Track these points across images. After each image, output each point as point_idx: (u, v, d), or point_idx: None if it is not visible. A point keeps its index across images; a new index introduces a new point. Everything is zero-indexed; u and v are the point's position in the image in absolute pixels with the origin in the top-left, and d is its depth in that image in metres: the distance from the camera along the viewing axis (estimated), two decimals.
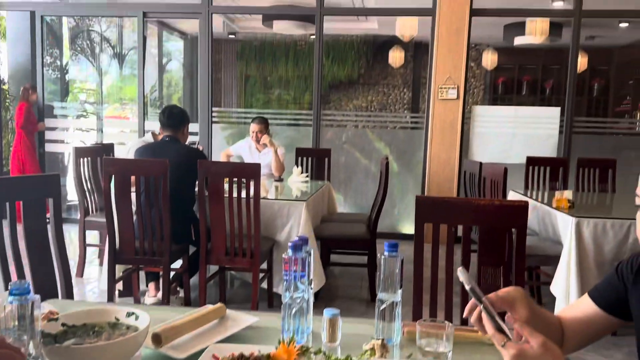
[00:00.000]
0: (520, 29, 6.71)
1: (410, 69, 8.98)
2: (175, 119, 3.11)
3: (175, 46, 8.90)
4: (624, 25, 7.22)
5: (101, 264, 3.98)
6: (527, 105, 8.85)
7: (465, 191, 4.01)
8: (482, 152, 4.96)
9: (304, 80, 8.69)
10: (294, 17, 6.71)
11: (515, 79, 9.05)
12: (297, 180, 3.98)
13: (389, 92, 9.08)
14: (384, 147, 5.42)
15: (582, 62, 7.63)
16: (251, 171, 2.80)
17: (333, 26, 7.51)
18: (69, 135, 5.95)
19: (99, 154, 3.86)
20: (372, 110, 9.02)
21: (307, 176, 4.11)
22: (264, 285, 3.18)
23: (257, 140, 4.15)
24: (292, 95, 8.84)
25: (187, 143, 3.45)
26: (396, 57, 7.98)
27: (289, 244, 1.17)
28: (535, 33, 6.33)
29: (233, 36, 8.63)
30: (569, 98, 4.79)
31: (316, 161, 4.48)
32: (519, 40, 6.93)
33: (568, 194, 3.38)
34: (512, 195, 3.93)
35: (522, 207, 1.76)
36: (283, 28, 7.29)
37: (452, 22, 4.65)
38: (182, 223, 3.05)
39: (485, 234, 1.85)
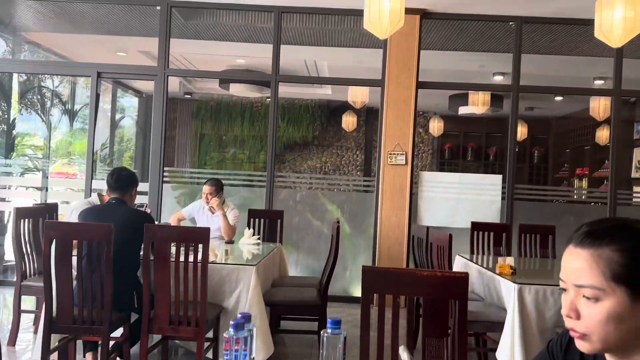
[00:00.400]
0: (464, 99, 7.16)
1: (363, 132, 9.31)
2: (123, 181, 3.07)
3: (129, 102, 8.89)
4: (559, 98, 7.83)
5: (36, 331, 3.73)
6: (473, 170, 9.29)
7: (413, 255, 4.09)
8: (430, 216, 5.10)
9: (260, 140, 8.82)
10: (250, 81, 6.91)
11: (461, 145, 9.53)
12: (248, 243, 3.95)
13: (342, 154, 9.32)
14: (336, 209, 5.49)
15: (523, 131, 8.17)
16: (199, 235, 2.77)
17: (289, 90, 7.76)
18: (11, 193, 5.71)
19: (42, 214, 3.71)
20: (326, 170, 9.19)
21: (258, 238, 4.09)
22: (210, 354, 3.06)
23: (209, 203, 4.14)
24: (248, 154, 8.91)
25: (135, 204, 3.39)
26: (349, 121, 8.28)
27: (231, 322, 1.16)
28: (477, 104, 6.76)
29: (189, 96, 8.73)
30: (510, 167, 5.07)
31: (269, 223, 4.48)
32: (463, 110, 7.37)
33: (510, 260, 3.51)
34: (458, 260, 4.03)
35: (463, 279, 1.82)
36: (239, 90, 7.47)
37: (400, 93, 4.91)
38: (125, 289, 2.93)
39: (428, 304, 1.89)
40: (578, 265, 0.92)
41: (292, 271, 5.17)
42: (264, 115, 8.56)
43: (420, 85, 4.96)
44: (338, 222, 3.75)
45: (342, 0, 4.72)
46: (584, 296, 0.90)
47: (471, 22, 5.00)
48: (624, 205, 5.38)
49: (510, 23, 4.93)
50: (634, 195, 6.49)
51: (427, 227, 3.65)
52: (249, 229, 4.16)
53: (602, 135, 7.30)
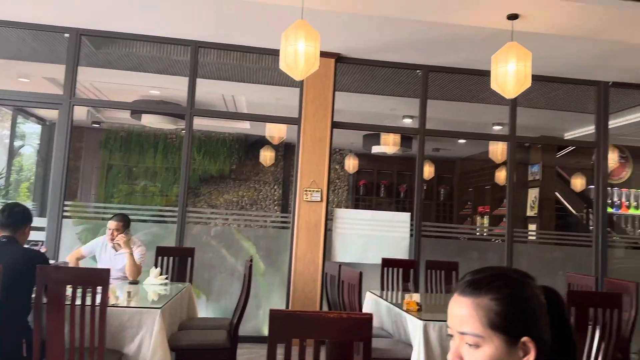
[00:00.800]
0: (376, 139, 7.47)
1: (281, 167, 9.37)
2: (15, 218, 2.83)
3: (31, 128, 8.30)
4: (462, 141, 8.39)
5: None
6: (385, 206, 9.64)
7: (326, 293, 4.11)
8: (344, 252, 5.19)
9: (173, 172, 8.57)
10: (164, 112, 6.75)
11: (375, 182, 9.89)
12: (154, 283, 3.77)
13: (259, 189, 9.28)
14: (251, 246, 5.42)
15: (430, 170, 8.65)
16: (98, 277, 2.60)
17: (206, 122, 7.66)
18: None
19: None
20: (243, 205, 9.09)
21: (166, 278, 3.92)
22: None
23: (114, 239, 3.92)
24: (160, 187, 8.60)
25: (30, 241, 3.14)
26: (267, 156, 8.31)
27: None
28: (389, 144, 7.08)
29: (97, 125, 8.34)
30: (417, 205, 5.31)
31: (178, 261, 4.31)
32: (375, 149, 7.68)
33: (416, 296, 3.64)
34: (368, 297, 4.12)
35: (367, 320, 1.86)
36: (152, 121, 7.26)
37: (316, 132, 5.02)
38: (12, 336, 2.67)
39: (334, 345, 1.91)
40: (461, 313, 0.97)
41: (202, 312, 4.98)
42: (179, 147, 8.35)
43: (335, 124, 5.11)
44: (251, 260, 3.70)
45: (259, 39, 4.80)
46: (466, 343, 0.96)
47: (382, 68, 5.27)
48: (520, 242, 5.80)
49: (417, 71, 5.26)
50: (529, 233, 7.04)
51: (339, 265, 3.70)
52: (156, 267, 3.97)
53: (501, 175, 7.91)
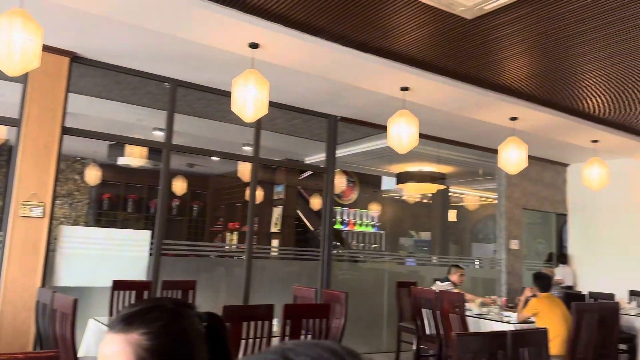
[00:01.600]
0: (122, 149, 6.98)
1: (3, 174, 7.93)
2: None
3: None
4: (216, 158, 8.48)
5: None
6: (133, 221, 9.08)
7: (37, 324, 3.56)
8: (69, 276, 4.61)
9: None
10: None
11: (122, 195, 9.21)
12: None
13: None
14: None
15: (183, 186, 8.51)
16: None
17: None
18: None
19: None
20: None
21: None
22: None
23: None
24: None
25: None
26: None
27: None
28: (134, 155, 6.68)
29: None
30: (159, 222, 5.08)
31: None
32: (121, 160, 7.17)
33: None
34: (92, 325, 3.73)
35: (53, 358, 1.63)
36: None
37: (40, 137, 4.38)
38: None
39: None
40: (110, 351, 0.89)
41: None
42: None
43: (65, 130, 4.54)
44: None
45: None
46: None
47: (128, 75, 4.94)
48: (263, 258, 6.10)
49: (165, 84, 5.09)
50: (271, 248, 7.48)
51: (53, 291, 3.25)
52: None
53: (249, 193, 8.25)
